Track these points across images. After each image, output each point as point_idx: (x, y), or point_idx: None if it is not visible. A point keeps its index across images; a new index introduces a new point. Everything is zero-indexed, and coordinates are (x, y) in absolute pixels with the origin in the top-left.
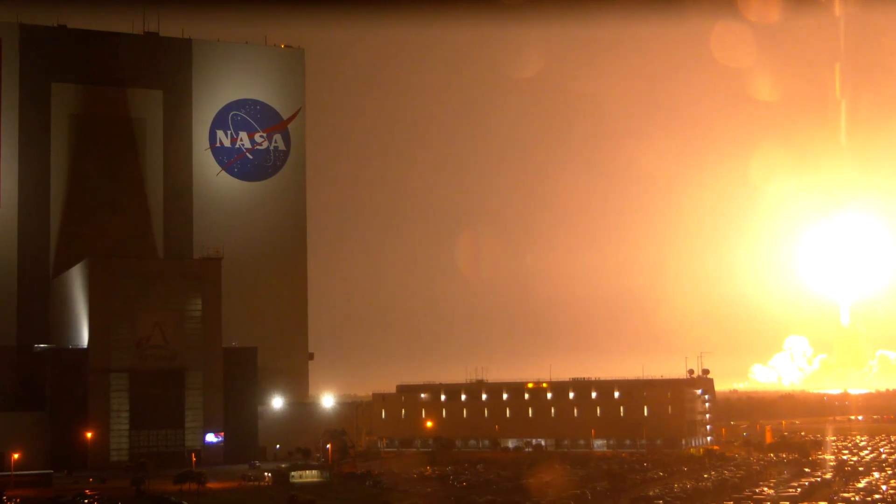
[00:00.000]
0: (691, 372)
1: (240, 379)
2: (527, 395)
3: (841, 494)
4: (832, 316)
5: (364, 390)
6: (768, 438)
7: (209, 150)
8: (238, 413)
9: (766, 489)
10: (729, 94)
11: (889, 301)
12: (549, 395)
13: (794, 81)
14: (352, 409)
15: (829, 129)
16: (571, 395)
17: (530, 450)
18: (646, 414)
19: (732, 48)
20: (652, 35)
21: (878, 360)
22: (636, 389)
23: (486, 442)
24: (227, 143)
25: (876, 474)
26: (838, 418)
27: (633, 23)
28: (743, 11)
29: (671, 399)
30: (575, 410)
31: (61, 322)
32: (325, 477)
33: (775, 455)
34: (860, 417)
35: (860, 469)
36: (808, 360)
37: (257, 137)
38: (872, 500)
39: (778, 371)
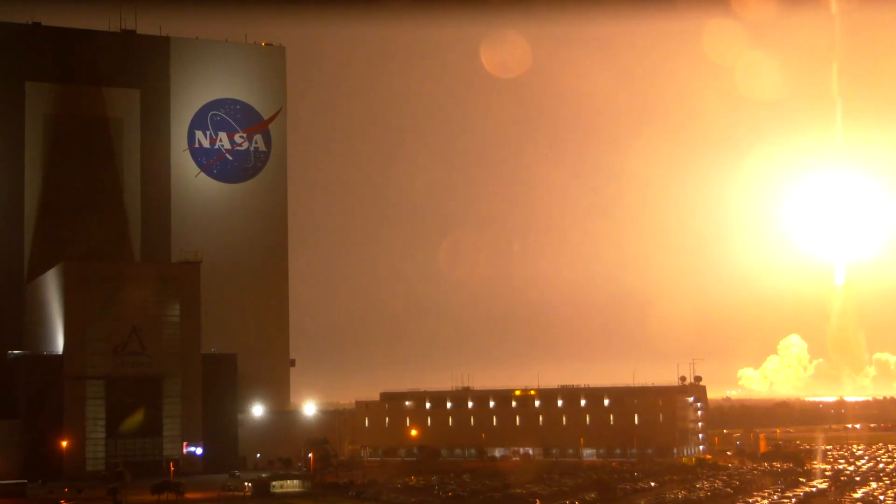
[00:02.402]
0: (683, 379)
1: (219, 386)
2: (514, 403)
3: None
4: (826, 277)
5: (347, 398)
6: (762, 447)
7: (188, 151)
8: (217, 421)
9: (760, 499)
10: (722, 93)
11: (884, 261)
12: (537, 403)
13: (789, 80)
14: (334, 417)
15: (826, 127)
16: (560, 402)
17: (518, 459)
18: (636, 422)
19: (725, 46)
20: (642, 32)
21: (877, 363)
22: (626, 397)
23: (473, 451)
24: (206, 143)
25: (873, 484)
26: (834, 427)
27: (623, 20)
28: (736, 8)
29: (662, 407)
30: (563, 418)
31: (36, 328)
32: (307, 487)
33: (769, 464)
34: (857, 426)
35: (857, 479)
36: (803, 365)
37: (237, 138)
38: None
39: (770, 376)
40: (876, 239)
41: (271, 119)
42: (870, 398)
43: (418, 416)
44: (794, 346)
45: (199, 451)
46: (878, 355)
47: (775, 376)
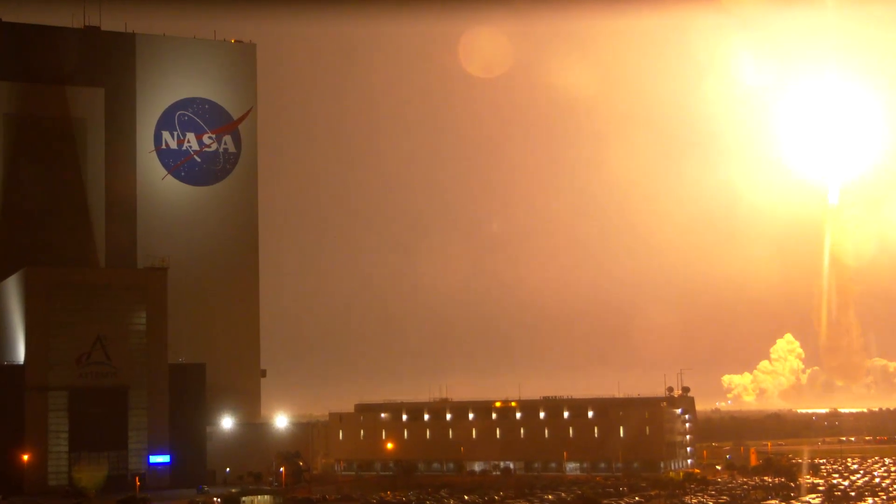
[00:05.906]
0: (670, 390)
1: (187, 397)
2: (494, 415)
3: None
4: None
5: (320, 410)
6: (753, 461)
7: (154, 153)
8: (185, 434)
9: None
10: (711, 91)
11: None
12: (518, 415)
13: (783, 78)
14: (307, 429)
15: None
16: (542, 414)
17: (498, 473)
18: (622, 435)
19: (714, 43)
20: (631, 29)
21: (875, 369)
22: (611, 409)
23: (451, 465)
24: (173, 144)
25: (869, 500)
26: (828, 439)
27: (611, 16)
28: (727, 4)
29: (649, 419)
30: (546, 431)
31: None
32: (278, 502)
33: (760, 479)
34: (852, 439)
35: (851, 494)
36: (796, 374)
37: (206, 139)
38: None
39: (761, 382)
40: (868, 159)
41: (241, 119)
42: (865, 410)
43: (394, 428)
44: (788, 350)
45: (161, 459)
46: (874, 360)
47: (767, 383)
